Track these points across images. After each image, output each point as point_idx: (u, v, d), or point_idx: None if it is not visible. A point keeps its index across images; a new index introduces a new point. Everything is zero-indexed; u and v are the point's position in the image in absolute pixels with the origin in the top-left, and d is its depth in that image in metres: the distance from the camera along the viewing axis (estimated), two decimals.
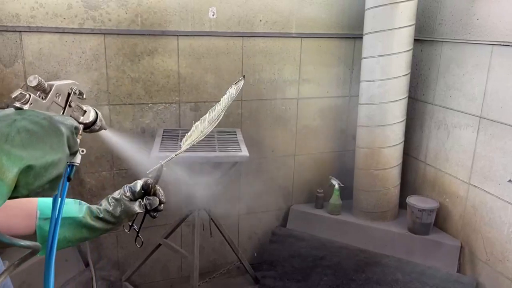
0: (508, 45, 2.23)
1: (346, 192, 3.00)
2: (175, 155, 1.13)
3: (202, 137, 1.14)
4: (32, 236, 0.90)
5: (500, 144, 2.33)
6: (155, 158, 2.16)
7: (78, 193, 2.56)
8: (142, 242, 1.06)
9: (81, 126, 0.72)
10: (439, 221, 2.77)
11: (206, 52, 2.61)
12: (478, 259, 2.52)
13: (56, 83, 0.67)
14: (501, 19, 2.26)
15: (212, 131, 1.21)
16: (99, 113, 0.78)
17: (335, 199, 2.94)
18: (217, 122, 1.15)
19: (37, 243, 0.66)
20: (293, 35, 2.77)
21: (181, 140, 1.18)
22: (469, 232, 2.58)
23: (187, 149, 1.14)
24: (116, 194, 1.01)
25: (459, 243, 2.63)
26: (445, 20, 2.64)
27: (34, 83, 0.63)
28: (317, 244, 2.79)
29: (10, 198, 0.54)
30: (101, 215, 0.97)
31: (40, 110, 0.62)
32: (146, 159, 2.19)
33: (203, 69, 2.64)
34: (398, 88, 2.65)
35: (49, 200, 0.93)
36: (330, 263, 2.65)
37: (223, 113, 1.17)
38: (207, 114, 1.19)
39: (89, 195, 2.59)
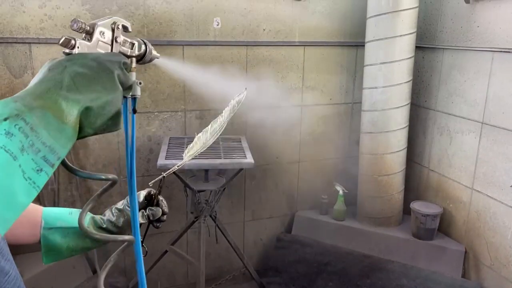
0: (509, 52, 2.26)
1: (351, 198, 3.02)
2: (177, 166, 1.16)
3: (204, 149, 1.17)
4: (36, 245, 0.92)
5: (503, 149, 2.35)
6: (161, 166, 2.20)
7: (85, 201, 2.59)
8: (146, 252, 1.07)
9: (132, 60, 0.72)
10: (443, 226, 2.79)
11: (211, 61, 2.66)
12: (483, 264, 2.54)
13: (98, 21, 0.67)
14: (501, 26, 2.30)
15: (217, 138, 1.25)
16: (149, 44, 0.77)
17: (339, 205, 2.97)
18: (219, 134, 1.18)
19: (115, 176, 0.70)
20: (296, 44, 2.81)
21: (186, 148, 1.21)
22: (473, 237, 2.60)
23: (192, 156, 1.17)
24: (120, 205, 1.02)
25: (463, 248, 2.64)
26: (446, 27, 2.68)
27: (75, 27, 0.63)
28: (322, 250, 2.81)
29: (79, 138, 0.58)
30: (104, 226, 0.99)
31: (88, 52, 0.64)
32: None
33: None
34: (401, 95, 2.68)
35: (52, 211, 0.95)
36: (335, 269, 2.67)
37: (225, 125, 1.20)
38: (209, 126, 1.22)
39: (96, 203, 2.62)
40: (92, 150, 2.54)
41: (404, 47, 2.61)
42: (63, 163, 0.62)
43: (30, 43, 2.29)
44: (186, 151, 1.20)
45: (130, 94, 0.71)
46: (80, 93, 0.57)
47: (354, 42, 2.93)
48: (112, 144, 2.58)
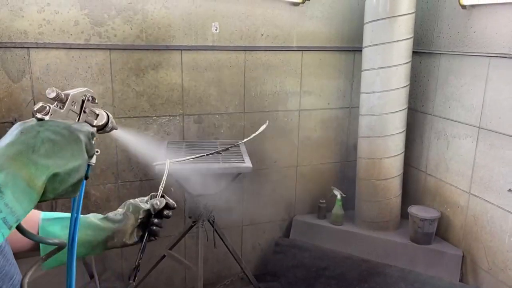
0: (505, 57, 2.28)
1: (348, 202, 3.02)
2: (184, 160, 1.17)
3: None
4: (35, 252, 0.91)
5: (500, 153, 2.37)
6: (160, 171, 2.20)
7: (83, 206, 2.57)
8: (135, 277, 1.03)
9: (95, 130, 0.77)
10: (441, 230, 2.79)
11: (209, 65, 2.67)
12: (480, 268, 2.54)
13: (71, 92, 0.72)
14: (497, 32, 2.32)
15: (215, 143, 1.26)
16: (110, 115, 0.83)
17: (337, 209, 2.97)
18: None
19: (63, 240, 0.71)
20: (294, 49, 2.83)
21: (186, 152, 1.22)
22: (471, 241, 2.60)
23: (190, 160, 1.18)
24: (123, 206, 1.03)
25: (461, 253, 2.65)
26: (443, 33, 2.70)
27: (52, 95, 0.68)
28: (320, 254, 2.81)
29: (39, 202, 0.59)
30: (106, 215, 0.99)
31: (59, 119, 0.67)
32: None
33: (206, 82, 2.69)
34: (398, 100, 2.70)
35: (50, 215, 0.94)
36: (334, 274, 2.67)
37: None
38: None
39: (94, 208, 2.62)
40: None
41: (401, 52, 2.62)
42: (18, 225, 0.63)
43: (28, 47, 2.30)
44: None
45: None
46: (50, 159, 0.59)
47: (352, 47, 2.95)
48: (110, 149, 2.58)
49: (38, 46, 2.31)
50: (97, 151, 0.73)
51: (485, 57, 2.42)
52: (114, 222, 0.97)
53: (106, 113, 0.82)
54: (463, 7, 2.48)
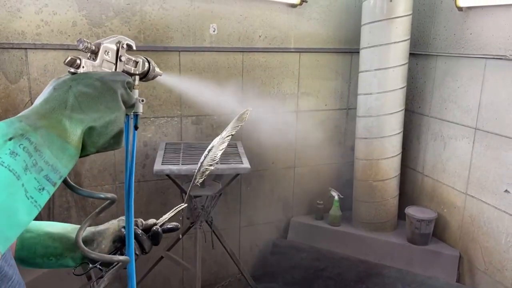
0: (501, 58, 2.30)
1: (346, 203, 3.03)
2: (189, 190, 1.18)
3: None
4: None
5: (496, 154, 2.38)
6: (157, 172, 2.21)
7: (81, 207, 2.58)
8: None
9: (135, 78, 0.73)
10: (438, 231, 2.81)
11: (207, 66, 2.67)
12: (477, 269, 2.55)
13: (103, 41, 0.68)
14: (493, 33, 2.34)
15: (213, 144, 1.27)
16: (152, 61, 0.78)
17: (334, 210, 2.98)
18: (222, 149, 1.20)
19: (113, 195, 0.70)
20: (292, 50, 2.84)
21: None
22: (468, 242, 2.62)
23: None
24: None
25: (458, 253, 2.66)
26: (439, 34, 2.72)
27: (81, 46, 0.65)
28: (317, 255, 2.81)
29: (81, 156, 0.59)
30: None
31: (93, 71, 0.64)
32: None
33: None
34: (395, 101, 2.71)
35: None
36: (331, 274, 2.67)
37: (227, 141, 1.22)
38: (210, 144, 1.24)
39: (91, 209, 2.61)
40: (87, 156, 2.53)
41: (398, 54, 2.64)
42: (65, 181, 0.63)
43: (26, 48, 2.29)
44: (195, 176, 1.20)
45: (133, 111, 0.72)
46: (84, 113, 0.58)
47: (349, 49, 2.96)
48: None
49: (36, 47, 2.30)
50: (142, 100, 0.71)
51: (481, 59, 2.43)
52: (96, 227, 0.91)
53: (147, 59, 0.77)
54: (460, 9, 2.50)
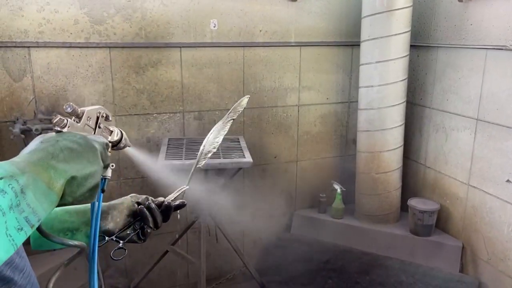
0: (502, 49, 2.30)
1: (348, 196, 3.05)
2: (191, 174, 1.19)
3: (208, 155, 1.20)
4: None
5: (497, 145, 2.39)
6: (162, 166, 2.23)
7: None
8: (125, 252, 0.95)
9: (108, 145, 0.82)
10: (441, 222, 2.82)
11: (208, 62, 2.69)
12: (480, 259, 2.57)
13: (86, 108, 0.78)
14: (494, 24, 2.33)
15: (214, 129, 1.29)
16: (124, 133, 0.89)
17: (337, 203, 2.99)
18: (222, 135, 1.21)
19: (83, 243, 0.76)
20: (292, 44, 2.84)
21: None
22: (470, 232, 2.63)
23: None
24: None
25: (461, 244, 2.67)
26: (440, 26, 2.71)
27: (69, 110, 0.75)
28: (321, 248, 2.83)
29: (58, 206, 0.63)
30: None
31: (76, 132, 0.73)
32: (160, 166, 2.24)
33: (205, 78, 2.71)
34: (396, 93, 2.72)
35: None
36: (335, 267, 2.69)
37: (228, 126, 1.24)
38: (210, 133, 1.25)
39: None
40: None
41: (399, 46, 2.64)
42: (39, 228, 0.67)
43: (29, 47, 2.32)
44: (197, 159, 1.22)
45: (102, 174, 0.78)
46: (68, 164, 0.64)
47: (350, 42, 2.97)
48: None
49: (38, 45, 2.33)
50: (112, 165, 0.78)
51: (482, 50, 2.43)
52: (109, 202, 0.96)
53: (120, 131, 0.88)
54: (460, 0, 2.50)
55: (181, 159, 2.30)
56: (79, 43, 2.39)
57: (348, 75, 3.06)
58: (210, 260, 2.99)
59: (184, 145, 2.53)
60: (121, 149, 0.89)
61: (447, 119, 2.74)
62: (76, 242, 0.75)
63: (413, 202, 2.79)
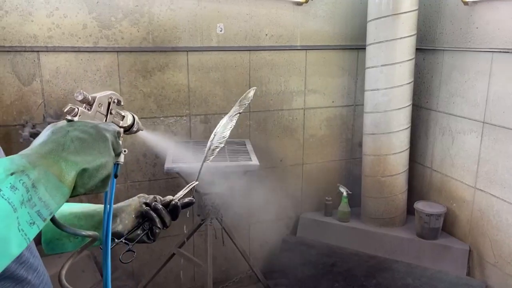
0: (508, 52, 2.30)
1: (354, 199, 3.05)
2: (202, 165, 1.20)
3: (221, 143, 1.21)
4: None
5: (504, 148, 2.38)
6: (168, 170, 2.24)
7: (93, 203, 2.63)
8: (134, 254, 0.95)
9: (121, 130, 0.81)
10: (447, 225, 2.81)
11: (214, 66, 2.71)
12: (487, 262, 2.56)
13: (97, 95, 0.77)
14: (499, 27, 2.34)
15: (220, 124, 1.30)
16: (136, 117, 0.87)
17: (343, 206, 2.99)
18: (233, 123, 1.22)
19: (95, 233, 0.75)
20: (298, 48, 2.86)
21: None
22: (477, 235, 2.62)
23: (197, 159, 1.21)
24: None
25: (468, 247, 2.66)
26: (446, 29, 2.72)
27: (80, 98, 0.73)
28: (327, 251, 2.83)
29: (70, 197, 0.63)
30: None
31: (87, 120, 0.72)
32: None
33: (212, 82, 2.73)
34: (402, 96, 2.72)
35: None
36: (341, 270, 2.69)
37: (237, 116, 1.25)
38: (218, 125, 1.26)
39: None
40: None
41: (405, 49, 2.65)
42: (53, 218, 0.67)
43: (38, 51, 2.35)
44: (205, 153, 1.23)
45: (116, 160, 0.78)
46: (79, 156, 0.63)
47: (355, 45, 2.98)
48: None
49: (47, 50, 2.36)
50: (124, 150, 0.78)
51: (488, 53, 2.44)
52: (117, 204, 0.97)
53: (132, 115, 0.86)
54: (465, 3, 2.51)
55: (188, 162, 2.31)
56: (87, 47, 2.42)
57: (354, 78, 3.06)
58: (217, 263, 2.99)
59: (191, 149, 2.54)
60: (134, 133, 0.88)
61: (453, 122, 2.74)
62: (89, 232, 0.74)
63: (419, 205, 2.79)
